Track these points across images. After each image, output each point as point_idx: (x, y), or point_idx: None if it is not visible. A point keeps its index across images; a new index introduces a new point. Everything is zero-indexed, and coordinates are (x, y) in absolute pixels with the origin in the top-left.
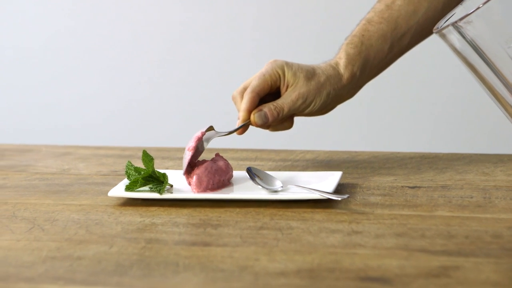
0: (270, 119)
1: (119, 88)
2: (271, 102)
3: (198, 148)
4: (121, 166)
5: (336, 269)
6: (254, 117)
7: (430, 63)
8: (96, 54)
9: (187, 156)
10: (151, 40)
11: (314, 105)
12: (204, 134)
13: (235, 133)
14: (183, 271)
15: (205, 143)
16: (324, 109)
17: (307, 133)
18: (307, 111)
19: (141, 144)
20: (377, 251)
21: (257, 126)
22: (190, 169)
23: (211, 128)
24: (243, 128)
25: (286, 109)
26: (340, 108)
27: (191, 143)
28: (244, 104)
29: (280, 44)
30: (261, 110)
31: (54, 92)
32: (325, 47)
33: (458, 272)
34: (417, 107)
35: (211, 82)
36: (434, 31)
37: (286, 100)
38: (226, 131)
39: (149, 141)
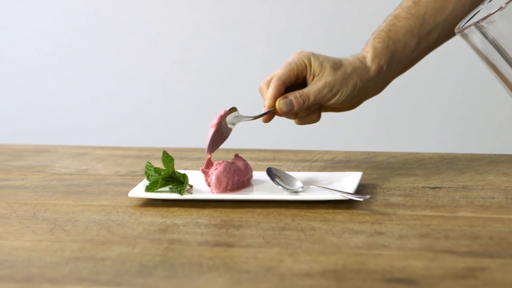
0: (296, 106)
1: (131, 90)
2: (297, 91)
3: (223, 132)
4: (139, 167)
5: (361, 270)
6: (279, 103)
7: (450, 62)
8: (113, 54)
9: (210, 133)
10: (167, 41)
11: (341, 95)
12: (227, 113)
13: (261, 121)
14: (207, 272)
15: (230, 126)
16: (350, 102)
17: (324, 133)
18: (333, 101)
19: (156, 145)
20: (402, 252)
21: (283, 113)
22: (214, 147)
23: (234, 109)
24: (268, 116)
25: (312, 97)
26: (358, 108)
27: (214, 121)
28: (270, 91)
29: (293, 44)
30: (286, 97)
31: (68, 93)
32: (337, 49)
33: (484, 273)
34: (434, 107)
35: (226, 82)
36: (455, 31)
37: (312, 88)
38: (252, 115)
39: (165, 142)
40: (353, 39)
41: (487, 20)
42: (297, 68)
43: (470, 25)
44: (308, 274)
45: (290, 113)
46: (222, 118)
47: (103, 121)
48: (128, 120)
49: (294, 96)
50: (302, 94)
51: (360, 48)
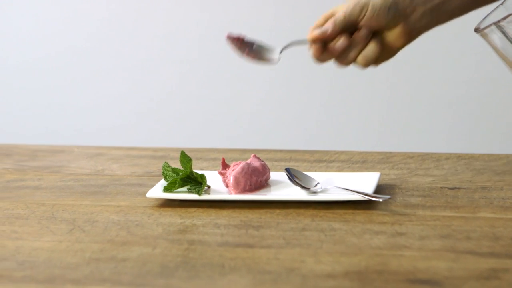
0: (330, 28)
1: (142, 90)
2: None
3: (255, 51)
4: (155, 167)
5: (384, 271)
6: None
7: (467, 62)
8: (128, 54)
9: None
10: (181, 40)
11: (373, 9)
12: (236, 37)
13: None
14: (229, 272)
15: (273, 54)
16: (390, 23)
17: (339, 133)
18: (366, 16)
19: (169, 145)
20: (424, 253)
21: (317, 38)
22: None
23: (242, 36)
24: (315, 47)
25: (341, 15)
26: (372, 107)
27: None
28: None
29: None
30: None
31: (80, 93)
32: None
33: (508, 274)
34: (450, 107)
35: (241, 82)
36: (475, 30)
37: (342, 8)
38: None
39: (179, 142)
40: None
41: (507, 19)
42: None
43: (490, 25)
44: (331, 275)
45: (326, 36)
46: (237, 40)
47: (116, 121)
48: (141, 120)
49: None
50: (333, 15)
51: None
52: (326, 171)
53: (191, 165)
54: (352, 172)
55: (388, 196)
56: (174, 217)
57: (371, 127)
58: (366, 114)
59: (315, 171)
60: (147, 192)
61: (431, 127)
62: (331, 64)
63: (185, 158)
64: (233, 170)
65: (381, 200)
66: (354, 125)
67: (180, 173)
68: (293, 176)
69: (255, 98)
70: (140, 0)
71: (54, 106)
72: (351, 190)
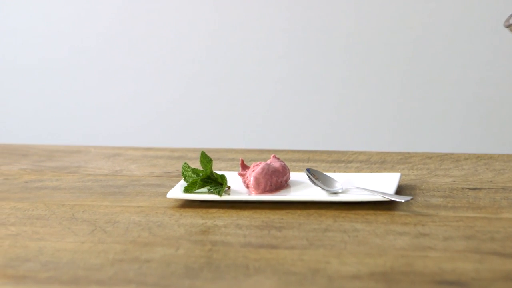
0: None
1: (161, 91)
2: None
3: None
4: (173, 168)
5: (410, 272)
6: None
7: (488, 62)
8: (144, 54)
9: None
10: (196, 41)
11: None
12: None
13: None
14: (254, 274)
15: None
16: None
17: (356, 133)
18: None
19: (184, 145)
20: (449, 254)
21: None
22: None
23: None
24: None
25: None
26: (389, 107)
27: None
28: None
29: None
30: None
31: (97, 94)
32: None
33: None
34: (466, 107)
35: (253, 83)
36: (504, 24)
37: None
38: None
39: (195, 143)
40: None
41: None
42: None
43: None
44: (357, 276)
45: None
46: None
47: (131, 122)
48: (156, 121)
49: None
50: None
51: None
52: (345, 171)
53: (211, 166)
54: (371, 172)
55: (410, 197)
56: (195, 218)
57: (388, 127)
58: (383, 114)
59: (334, 171)
60: (166, 192)
61: (449, 127)
62: (348, 63)
63: (205, 158)
64: (253, 170)
65: (403, 201)
66: (371, 125)
67: (201, 174)
68: (314, 177)
69: (271, 98)
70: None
71: (68, 107)
72: (372, 191)
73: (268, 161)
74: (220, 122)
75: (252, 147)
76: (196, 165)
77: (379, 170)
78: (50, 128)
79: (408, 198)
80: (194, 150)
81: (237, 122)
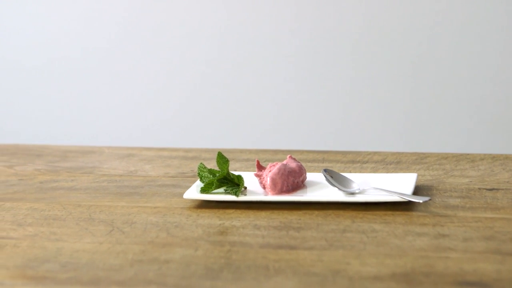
0: None
1: (172, 91)
2: None
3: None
4: (188, 168)
5: (431, 273)
6: None
7: (505, 62)
8: (158, 55)
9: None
10: (208, 42)
11: None
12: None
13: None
14: (274, 275)
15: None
16: None
17: (369, 133)
18: None
19: (196, 145)
20: (469, 255)
21: None
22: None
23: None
24: None
25: None
26: (402, 108)
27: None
28: None
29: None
30: None
31: (107, 95)
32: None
33: None
34: (481, 107)
35: (265, 83)
36: None
37: None
38: None
39: (208, 143)
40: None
41: None
42: None
43: None
44: (378, 277)
45: None
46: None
47: (144, 122)
48: (169, 121)
49: None
50: None
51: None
52: (360, 171)
53: (228, 166)
54: (387, 173)
55: (428, 198)
56: (213, 219)
57: (403, 127)
58: (397, 114)
59: (350, 171)
60: (182, 193)
61: (463, 127)
62: (363, 63)
63: (222, 159)
64: (270, 171)
65: (421, 201)
66: (385, 125)
67: (217, 174)
68: (331, 177)
69: (285, 98)
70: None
71: (81, 107)
72: (390, 191)
73: (285, 162)
74: (234, 122)
75: (266, 147)
76: (211, 165)
77: (394, 170)
78: (62, 128)
79: (426, 198)
80: (208, 151)
81: (251, 122)
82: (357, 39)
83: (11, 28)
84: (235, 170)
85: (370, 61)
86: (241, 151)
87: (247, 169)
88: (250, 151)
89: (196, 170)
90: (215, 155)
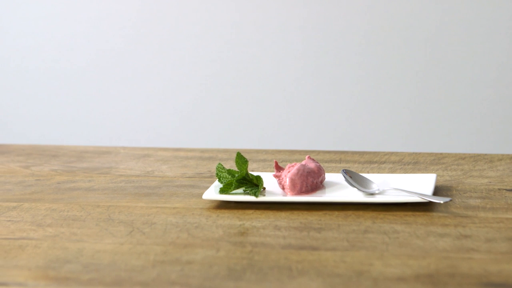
0: None
1: (183, 91)
2: None
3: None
4: (205, 168)
5: (455, 274)
6: None
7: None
8: (172, 55)
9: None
10: (224, 41)
11: None
12: None
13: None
14: (298, 276)
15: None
16: None
17: (386, 134)
18: None
19: (213, 146)
20: (493, 256)
21: None
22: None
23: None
24: None
25: None
26: (418, 107)
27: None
28: None
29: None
30: None
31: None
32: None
33: None
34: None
35: (282, 84)
36: None
37: None
38: None
39: (222, 143)
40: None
41: None
42: None
43: None
44: (402, 278)
45: None
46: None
47: (158, 122)
48: (183, 121)
49: None
50: None
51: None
52: (378, 172)
53: (247, 167)
54: (405, 173)
55: (449, 199)
56: (233, 219)
57: (421, 128)
58: (413, 115)
59: (367, 172)
60: (200, 193)
61: (480, 127)
62: (383, 64)
63: (241, 159)
64: (289, 171)
65: (442, 202)
66: (402, 125)
67: (236, 175)
68: (350, 178)
69: (300, 99)
70: (179, 1)
71: (94, 108)
72: (410, 192)
73: (303, 162)
74: (250, 122)
75: (282, 147)
76: (227, 166)
77: (412, 171)
78: (76, 129)
79: (447, 199)
80: (224, 151)
81: (268, 123)
82: (375, 40)
83: (29, 31)
84: (252, 171)
85: (388, 62)
86: (257, 151)
87: (264, 169)
88: (266, 152)
89: (213, 170)
90: (231, 155)
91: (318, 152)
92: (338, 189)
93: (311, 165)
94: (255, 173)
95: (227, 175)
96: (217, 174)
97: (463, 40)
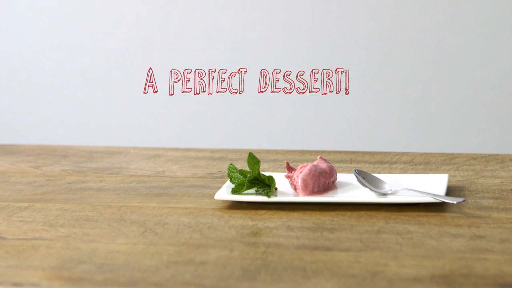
0: None
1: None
2: None
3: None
4: (216, 168)
5: (471, 275)
6: None
7: None
8: (182, 56)
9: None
10: (233, 41)
11: None
12: None
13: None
14: (312, 276)
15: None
16: None
17: (397, 134)
18: None
19: (223, 146)
20: (508, 256)
21: None
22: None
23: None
24: None
25: None
26: (427, 108)
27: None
28: None
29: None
30: None
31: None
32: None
33: None
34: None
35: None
36: None
37: None
38: None
39: (232, 143)
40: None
41: None
42: None
43: None
44: (417, 279)
45: None
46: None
47: (171, 122)
48: (192, 121)
49: None
50: None
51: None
52: (389, 172)
53: (259, 167)
54: (416, 173)
55: (463, 199)
56: (245, 220)
57: (431, 128)
58: (424, 115)
59: (379, 172)
60: (212, 193)
61: (491, 128)
62: (389, 64)
63: (253, 159)
64: (301, 172)
65: (455, 202)
66: (412, 125)
67: (248, 175)
68: (362, 178)
69: (309, 100)
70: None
71: (103, 108)
72: (422, 192)
73: (315, 162)
74: (263, 123)
75: (292, 148)
76: (238, 166)
77: (424, 171)
78: (86, 129)
79: (460, 199)
80: (234, 151)
81: (278, 123)
82: (386, 39)
83: (40, 32)
84: (263, 171)
85: (399, 61)
86: (268, 151)
87: (275, 169)
88: (277, 152)
89: (223, 170)
90: (241, 156)
91: (329, 152)
92: (350, 189)
93: (323, 165)
94: (266, 174)
95: (239, 176)
96: (228, 174)
97: (476, 39)
